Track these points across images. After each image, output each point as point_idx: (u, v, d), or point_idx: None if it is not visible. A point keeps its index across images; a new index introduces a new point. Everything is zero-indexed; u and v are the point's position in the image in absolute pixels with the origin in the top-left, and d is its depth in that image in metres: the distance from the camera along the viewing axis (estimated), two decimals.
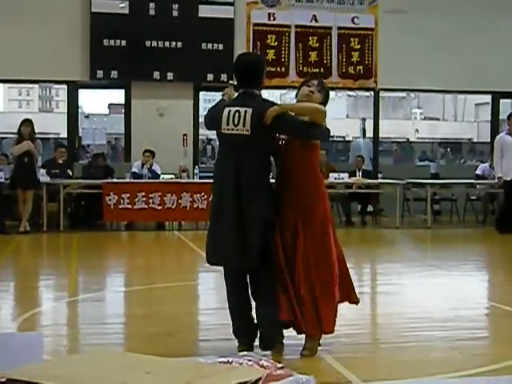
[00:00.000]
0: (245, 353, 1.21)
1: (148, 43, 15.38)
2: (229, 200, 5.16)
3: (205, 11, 15.57)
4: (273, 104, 5.22)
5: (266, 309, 5.23)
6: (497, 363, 4.92)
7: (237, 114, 5.15)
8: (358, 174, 15.30)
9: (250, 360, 1.21)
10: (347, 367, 4.77)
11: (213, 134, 26.07)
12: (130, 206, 13.45)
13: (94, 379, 1.09)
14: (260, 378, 1.11)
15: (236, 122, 5.14)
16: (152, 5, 15.39)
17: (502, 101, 18.21)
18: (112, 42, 15.29)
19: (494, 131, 18.22)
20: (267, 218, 5.14)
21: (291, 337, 5.33)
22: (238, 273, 5.38)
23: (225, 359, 1.22)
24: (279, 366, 1.17)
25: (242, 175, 5.11)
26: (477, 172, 15.82)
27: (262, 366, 1.18)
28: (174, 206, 13.62)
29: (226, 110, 5.20)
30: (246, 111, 5.13)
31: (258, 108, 5.13)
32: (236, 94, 5.37)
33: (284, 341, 5.32)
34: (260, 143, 5.18)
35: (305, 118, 5.25)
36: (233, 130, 5.16)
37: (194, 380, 1.10)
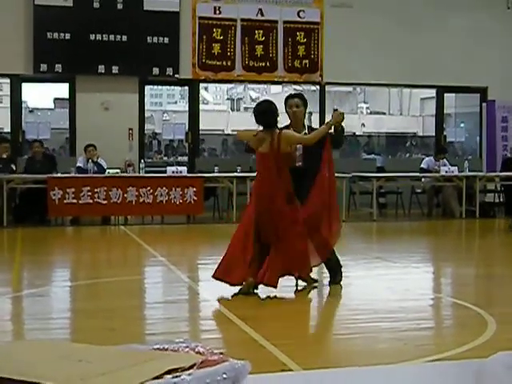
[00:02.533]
0: (181, 339, 1.19)
1: (92, 36, 15.22)
2: None
3: (150, 4, 15.47)
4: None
5: None
6: (441, 353, 4.97)
7: None
8: None
9: (186, 347, 1.19)
10: (291, 357, 4.77)
11: (159, 129, 25.77)
12: (75, 201, 13.30)
13: (19, 367, 1.06)
14: (194, 364, 1.09)
15: None
16: None
17: (446, 95, 18.45)
18: (56, 35, 15.10)
19: (439, 125, 18.48)
20: None
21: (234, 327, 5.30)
22: None
23: (160, 346, 1.20)
24: (215, 351, 1.15)
25: None
26: (422, 166, 15.99)
27: (198, 353, 1.16)
28: (119, 201, 13.51)
29: None
30: None
31: None
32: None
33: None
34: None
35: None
36: None
37: (127, 367, 1.08)
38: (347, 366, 2.02)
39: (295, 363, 4.65)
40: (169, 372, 1.08)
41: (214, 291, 7.29)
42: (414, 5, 17.05)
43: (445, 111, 18.89)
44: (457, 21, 17.25)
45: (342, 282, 7.69)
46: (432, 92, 19.09)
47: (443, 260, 10.44)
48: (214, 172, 14.62)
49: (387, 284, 7.99)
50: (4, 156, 14.11)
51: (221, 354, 1.17)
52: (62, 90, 17.22)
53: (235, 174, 14.36)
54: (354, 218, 14.91)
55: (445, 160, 15.84)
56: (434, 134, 18.99)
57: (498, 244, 12.53)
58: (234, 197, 14.31)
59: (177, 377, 1.07)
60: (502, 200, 16.71)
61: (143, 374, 1.05)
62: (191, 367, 1.09)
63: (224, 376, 1.09)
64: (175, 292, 7.58)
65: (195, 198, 13.84)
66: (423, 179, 16.00)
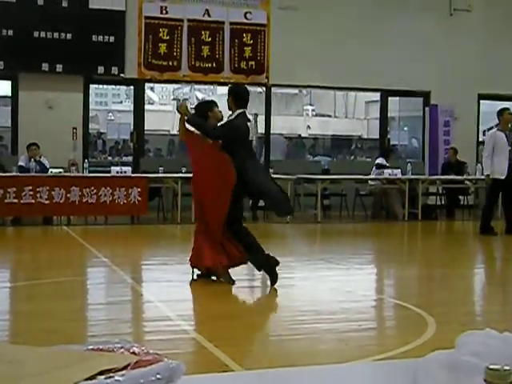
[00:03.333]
0: (117, 340, 1.18)
1: (36, 33, 15.02)
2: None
3: (96, 2, 15.34)
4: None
5: None
6: (382, 353, 5.01)
7: (250, 127, 8.10)
8: None
9: (121, 347, 1.18)
10: (233, 359, 4.77)
11: (103, 128, 25.49)
12: (16, 201, 13.11)
13: None
14: (128, 365, 1.08)
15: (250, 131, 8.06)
16: None
17: (390, 99, 18.67)
18: None
19: (383, 128, 18.68)
20: None
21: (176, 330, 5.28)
22: None
23: (94, 346, 1.18)
24: (150, 351, 1.14)
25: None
26: (377, 161, 16.04)
27: (132, 353, 1.15)
28: (62, 201, 13.35)
29: (249, 124, 8.00)
30: (251, 125, 8.26)
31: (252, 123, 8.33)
32: (240, 112, 7.75)
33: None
34: None
35: None
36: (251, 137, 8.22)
37: (60, 367, 1.06)
38: (289, 367, 2.02)
39: (237, 364, 4.65)
40: (102, 373, 1.06)
41: (157, 292, 7.24)
42: (360, 8, 17.21)
43: (389, 114, 19.11)
44: (401, 25, 17.47)
45: (279, 283, 7.71)
46: (377, 95, 19.29)
47: (386, 261, 10.55)
48: (158, 172, 14.55)
49: (330, 285, 8.04)
50: None
51: (156, 354, 1.16)
52: (4, 87, 16.97)
53: (180, 174, 14.30)
54: (298, 220, 14.97)
55: (409, 164, 16.06)
56: (378, 136, 19.19)
57: (439, 246, 12.71)
58: (178, 197, 14.26)
59: (110, 377, 1.05)
60: (443, 203, 16.96)
61: (76, 375, 1.04)
62: (125, 368, 1.08)
63: (158, 376, 1.08)
64: (118, 293, 7.52)
65: (139, 199, 13.75)
66: (370, 181, 16.12)
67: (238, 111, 7.80)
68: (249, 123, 8.05)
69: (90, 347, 1.17)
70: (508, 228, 12.97)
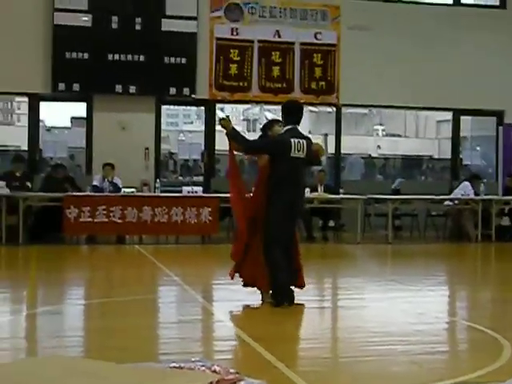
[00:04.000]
0: (197, 358, 1.19)
1: (110, 56, 15.33)
2: (299, 195, 7.88)
3: (168, 25, 15.57)
4: (309, 139, 7.84)
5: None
6: (455, 377, 4.93)
7: (299, 144, 7.61)
8: (319, 189, 15.32)
9: (202, 365, 1.19)
10: (306, 380, 4.75)
11: (174, 148, 25.83)
12: (90, 220, 13.34)
13: (42, 382, 1.06)
14: (211, 383, 1.09)
15: (298, 149, 7.61)
16: (115, 18, 15.36)
17: (462, 118, 18.42)
18: (74, 55, 15.22)
19: (455, 148, 18.43)
20: None
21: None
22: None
23: (176, 364, 1.20)
24: (231, 371, 1.15)
25: (301, 181, 7.89)
26: (459, 191, 15.61)
27: (214, 372, 1.16)
28: (134, 220, 13.53)
29: (292, 140, 7.58)
30: (303, 142, 7.65)
31: (307, 141, 7.73)
32: (288, 128, 7.65)
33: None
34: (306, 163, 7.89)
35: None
36: (297, 154, 7.61)
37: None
38: None
39: None
40: None
41: (228, 311, 7.27)
42: (429, 27, 17.08)
43: (461, 134, 18.85)
44: (472, 42, 17.26)
45: (349, 304, 7.64)
46: (448, 115, 19.05)
47: (459, 283, 10.38)
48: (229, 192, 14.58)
49: (402, 307, 7.94)
50: (18, 174, 14.19)
51: (237, 373, 1.17)
52: (79, 109, 17.31)
53: (250, 193, 14.30)
54: (368, 240, 14.86)
55: (482, 185, 15.72)
56: (449, 156, 18.93)
57: None
58: None
59: None
60: None
61: None
62: None
63: None
64: (189, 312, 7.56)
65: (210, 218, 13.84)
66: (445, 202, 15.84)
67: (287, 127, 7.69)
68: (298, 140, 7.65)
69: (172, 365, 1.19)
70: None
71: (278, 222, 7.55)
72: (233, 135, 7.67)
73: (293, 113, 7.77)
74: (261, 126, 8.38)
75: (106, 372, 1.13)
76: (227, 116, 8.26)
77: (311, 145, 7.78)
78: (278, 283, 7.54)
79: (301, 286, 7.78)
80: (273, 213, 7.55)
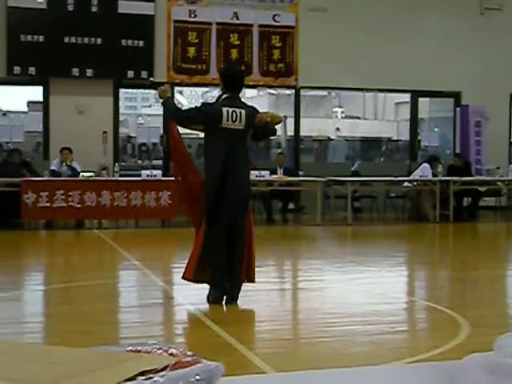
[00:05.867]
0: (154, 341, 1.18)
1: (67, 39, 15.14)
2: (234, 171, 6.85)
3: (125, 7, 15.42)
4: (254, 109, 7.05)
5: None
6: (415, 355, 4.98)
7: (234, 113, 6.83)
8: (279, 172, 15.35)
9: (159, 348, 1.18)
10: (266, 361, 4.76)
11: (133, 132, 25.65)
12: (48, 205, 13.21)
13: None
14: (167, 366, 1.08)
15: (234, 119, 6.82)
16: (71, 0, 15.14)
17: (420, 100, 18.56)
18: (30, 38, 15.00)
19: (413, 129, 18.58)
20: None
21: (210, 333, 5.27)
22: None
23: (133, 348, 1.18)
24: (189, 353, 1.14)
25: (237, 157, 6.85)
26: (418, 172, 15.64)
27: (171, 354, 1.15)
28: (93, 204, 13.43)
29: (225, 109, 6.82)
30: (240, 112, 6.86)
31: (249, 110, 6.95)
32: (225, 96, 6.95)
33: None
34: (247, 135, 6.96)
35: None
36: (231, 125, 6.82)
37: (99, 368, 1.06)
38: (320, 369, 2.01)
39: (269, 366, 4.65)
40: (142, 374, 1.06)
41: (188, 295, 7.26)
42: (388, 9, 17.14)
43: (419, 115, 19.00)
44: (430, 25, 17.37)
45: (309, 286, 7.66)
46: (406, 96, 19.19)
47: (417, 264, 10.49)
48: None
49: (361, 288, 8.00)
50: None
51: (194, 355, 1.16)
52: (35, 92, 17.12)
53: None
54: (328, 222, 14.94)
55: (440, 166, 15.81)
56: (408, 138, 19.09)
57: (471, 248, 12.60)
58: None
59: (149, 378, 1.05)
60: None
61: (116, 376, 1.04)
62: (164, 369, 1.08)
63: (197, 377, 1.08)
64: (150, 296, 7.54)
65: (170, 202, 13.79)
66: (404, 183, 15.96)
67: (224, 95, 7.00)
68: (233, 109, 6.84)
69: (129, 348, 1.17)
70: None
71: (210, 200, 6.82)
72: (166, 104, 6.98)
73: (230, 80, 7.03)
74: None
75: (59, 356, 1.11)
76: (167, 84, 7.63)
77: (256, 114, 6.94)
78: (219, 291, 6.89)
79: (252, 281, 7.07)
80: (206, 190, 6.86)
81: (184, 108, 7.52)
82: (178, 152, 7.33)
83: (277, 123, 7.25)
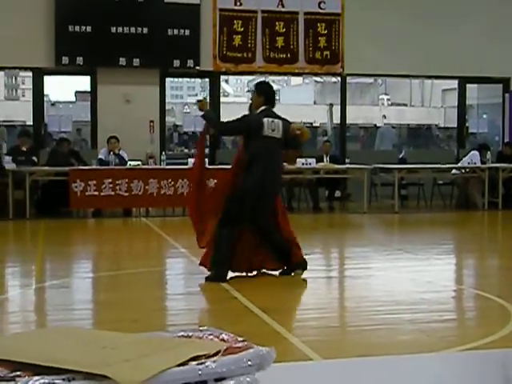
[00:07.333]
0: (206, 327, 1.19)
1: (114, 29, 15.24)
2: (272, 176, 7.62)
3: None
4: (287, 121, 7.77)
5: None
6: (464, 344, 4.95)
7: (273, 123, 7.56)
8: (325, 160, 15.30)
9: (210, 334, 1.19)
10: (313, 349, 4.77)
11: (179, 121, 25.84)
12: (96, 193, 13.35)
13: (43, 353, 1.06)
14: (219, 351, 1.09)
15: (273, 129, 7.55)
16: None
17: (468, 86, 18.32)
18: (77, 28, 15.12)
19: (461, 116, 18.36)
20: None
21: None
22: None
23: (185, 333, 1.19)
24: (240, 339, 1.14)
25: (275, 163, 7.68)
26: (467, 159, 15.42)
27: (222, 340, 1.16)
28: (141, 193, 13.54)
29: (265, 119, 7.53)
30: (278, 122, 7.61)
31: (283, 121, 7.69)
32: (262, 108, 7.61)
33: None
34: (282, 144, 7.66)
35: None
36: (270, 133, 7.54)
37: (152, 353, 1.08)
38: (368, 356, 2.00)
39: (317, 354, 4.65)
40: (193, 359, 1.07)
41: (235, 282, 7.29)
42: None
43: (467, 102, 18.76)
44: (479, 10, 17.12)
45: (357, 274, 7.64)
46: (454, 83, 18.96)
47: (465, 252, 10.39)
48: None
49: (409, 276, 7.96)
50: (24, 149, 14.19)
51: (245, 341, 1.16)
52: (83, 82, 17.29)
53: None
54: (375, 210, 14.86)
55: (489, 153, 15.59)
56: (456, 125, 18.87)
57: None
58: None
59: (201, 363, 1.06)
60: None
61: (168, 361, 1.05)
62: (216, 354, 1.09)
63: (249, 363, 1.08)
64: (197, 283, 7.58)
65: None
66: (452, 171, 15.77)
67: (262, 108, 7.66)
68: (272, 120, 7.59)
69: (181, 334, 1.18)
70: None
71: (249, 201, 7.43)
72: (208, 116, 7.75)
73: (269, 95, 7.79)
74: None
75: (113, 341, 1.13)
76: (204, 98, 8.63)
77: (289, 126, 7.71)
78: (219, 256, 7.46)
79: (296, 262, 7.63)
80: (245, 192, 7.44)
81: (226, 120, 8.03)
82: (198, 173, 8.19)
83: (305, 139, 8.03)
